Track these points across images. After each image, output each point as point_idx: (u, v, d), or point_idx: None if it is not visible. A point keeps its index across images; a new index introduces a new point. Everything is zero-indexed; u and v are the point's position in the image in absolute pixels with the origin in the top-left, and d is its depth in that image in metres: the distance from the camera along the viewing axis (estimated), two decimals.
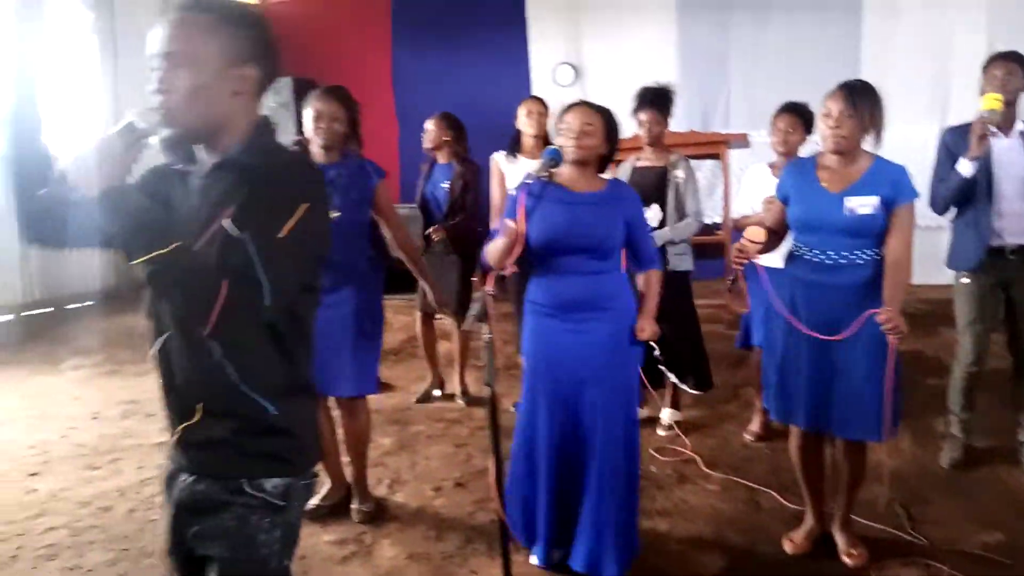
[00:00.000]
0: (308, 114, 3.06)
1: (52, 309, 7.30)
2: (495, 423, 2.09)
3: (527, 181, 2.70)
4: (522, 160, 4.38)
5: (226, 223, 1.28)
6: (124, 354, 6.11)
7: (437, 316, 4.74)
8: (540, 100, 4.53)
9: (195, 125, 1.38)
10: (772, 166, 3.84)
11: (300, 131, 3.45)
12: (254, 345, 1.40)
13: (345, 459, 3.40)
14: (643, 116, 3.90)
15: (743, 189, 3.97)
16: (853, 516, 2.96)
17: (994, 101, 3.22)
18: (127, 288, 8.00)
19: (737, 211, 3.99)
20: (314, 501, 3.32)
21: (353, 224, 3.10)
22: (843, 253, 2.61)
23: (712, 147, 6.29)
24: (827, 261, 2.63)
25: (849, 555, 2.85)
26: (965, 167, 3.27)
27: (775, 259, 3.66)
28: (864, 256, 2.61)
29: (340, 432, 3.38)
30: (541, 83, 7.59)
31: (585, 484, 2.70)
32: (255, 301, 1.27)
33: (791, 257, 2.78)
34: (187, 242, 1.27)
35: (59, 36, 7.35)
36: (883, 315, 2.45)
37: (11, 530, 3.21)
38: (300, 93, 7.26)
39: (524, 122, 4.43)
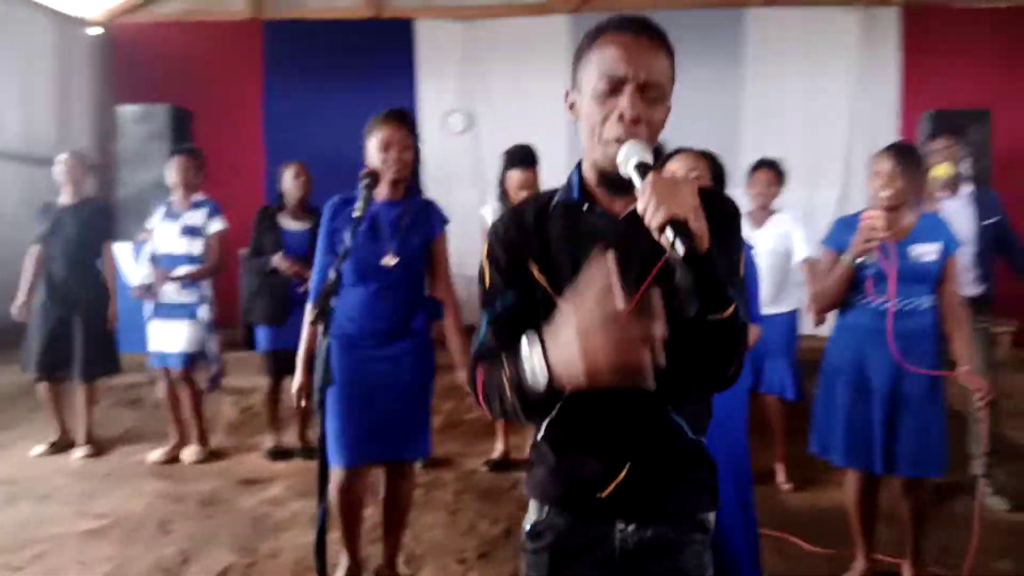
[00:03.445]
0: (375, 142, 2.74)
1: None
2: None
3: None
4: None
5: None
6: None
7: None
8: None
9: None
10: (750, 216, 4.05)
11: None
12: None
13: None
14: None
15: None
16: (879, 556, 3.09)
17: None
18: None
19: None
20: None
21: (415, 273, 2.81)
22: (907, 300, 2.78)
23: None
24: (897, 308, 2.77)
25: None
26: None
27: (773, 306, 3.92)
28: (925, 302, 2.80)
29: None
30: (431, 130, 7.28)
31: None
32: None
33: (849, 308, 2.91)
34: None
35: None
36: (975, 383, 2.70)
37: None
38: (177, 123, 6.58)
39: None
